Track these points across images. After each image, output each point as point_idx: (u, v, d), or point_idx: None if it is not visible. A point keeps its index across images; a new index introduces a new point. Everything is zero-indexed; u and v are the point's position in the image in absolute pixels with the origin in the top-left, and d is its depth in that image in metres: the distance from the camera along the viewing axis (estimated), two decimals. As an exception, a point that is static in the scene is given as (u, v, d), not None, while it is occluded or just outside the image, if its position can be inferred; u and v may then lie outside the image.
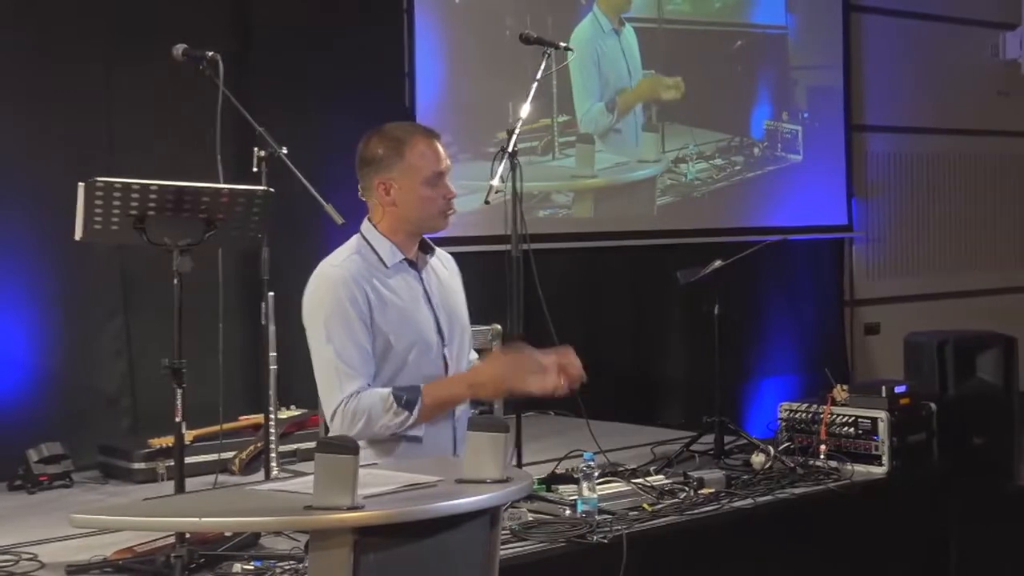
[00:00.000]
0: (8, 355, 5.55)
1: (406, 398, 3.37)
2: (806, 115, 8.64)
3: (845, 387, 5.14)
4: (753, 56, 8.45)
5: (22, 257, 5.58)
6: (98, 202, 3.84)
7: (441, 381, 3.49)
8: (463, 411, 3.61)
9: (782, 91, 8.55)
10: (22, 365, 5.58)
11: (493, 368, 3.48)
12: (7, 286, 5.55)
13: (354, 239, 3.56)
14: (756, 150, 8.38)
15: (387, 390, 3.39)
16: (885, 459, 4.90)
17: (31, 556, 4.01)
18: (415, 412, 3.37)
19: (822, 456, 4.96)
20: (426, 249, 3.61)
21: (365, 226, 3.58)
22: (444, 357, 3.55)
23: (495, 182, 4.84)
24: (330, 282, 3.43)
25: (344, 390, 3.37)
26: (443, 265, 3.72)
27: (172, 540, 3.77)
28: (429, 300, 3.54)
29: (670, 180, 7.95)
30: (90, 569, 3.85)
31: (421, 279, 3.56)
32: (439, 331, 3.53)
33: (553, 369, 3.35)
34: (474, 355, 3.86)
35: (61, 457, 5.27)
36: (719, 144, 8.18)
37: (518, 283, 4.60)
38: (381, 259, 3.49)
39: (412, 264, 3.55)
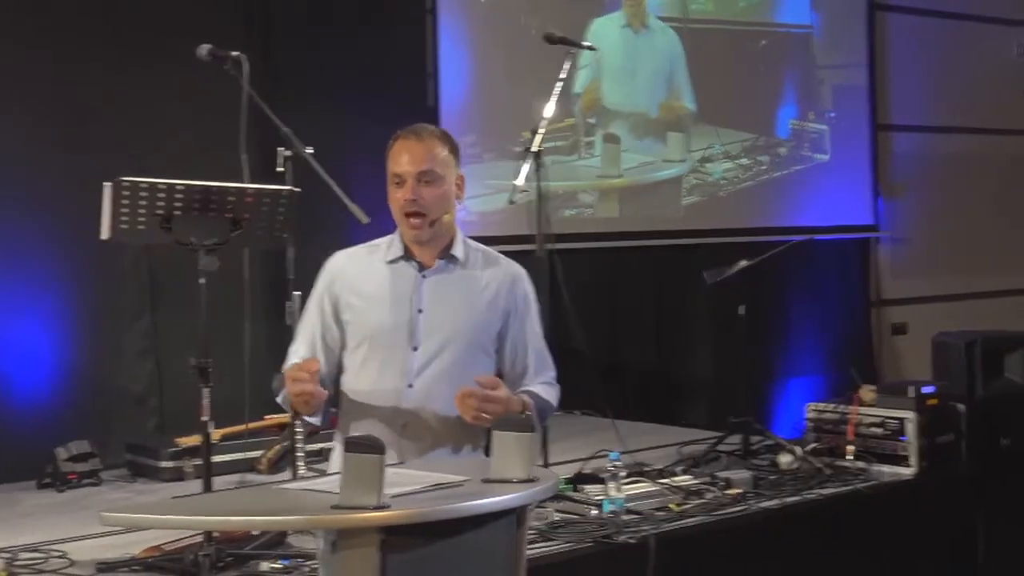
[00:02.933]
0: (37, 354, 5.58)
1: (275, 385, 3.34)
2: (832, 115, 8.61)
3: (872, 388, 5.12)
4: (778, 55, 8.42)
5: (50, 257, 5.60)
6: (124, 202, 3.86)
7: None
8: (414, 421, 3.31)
9: (808, 90, 8.53)
10: (51, 364, 5.61)
11: None
12: (36, 286, 5.58)
13: (393, 234, 3.49)
14: (782, 150, 8.36)
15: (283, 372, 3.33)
16: (913, 460, 4.88)
17: (60, 554, 4.03)
18: (280, 398, 3.32)
19: (849, 457, 4.94)
20: (447, 255, 3.39)
21: None
22: (405, 357, 3.31)
23: (519, 182, 4.84)
24: (322, 271, 3.47)
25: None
26: (482, 275, 3.43)
27: (200, 539, 3.78)
28: (414, 299, 3.36)
29: (696, 180, 7.94)
30: (119, 567, 3.87)
31: (419, 278, 3.38)
32: (411, 333, 3.33)
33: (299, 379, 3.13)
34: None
35: (89, 455, 5.30)
36: (744, 144, 8.17)
37: (544, 283, 4.60)
38: (388, 253, 3.42)
39: (421, 264, 3.39)
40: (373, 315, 3.35)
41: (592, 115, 7.46)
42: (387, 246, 3.44)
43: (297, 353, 3.40)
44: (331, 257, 3.48)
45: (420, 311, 3.35)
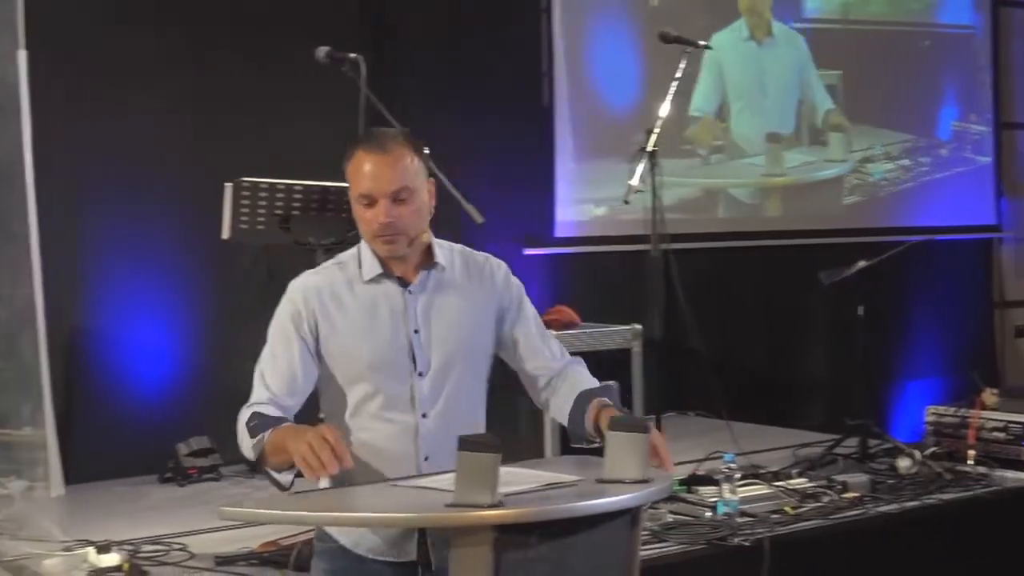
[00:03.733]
0: (160, 352, 5.71)
1: (256, 423, 2.89)
2: (988, 115, 8.54)
3: (994, 391, 5.02)
4: (941, 56, 8.36)
5: (173, 258, 5.73)
6: (244, 202, 3.93)
7: (294, 427, 2.88)
8: (436, 452, 2.94)
9: (970, 92, 8.45)
10: (173, 362, 5.73)
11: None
12: (159, 285, 5.70)
13: (355, 247, 3.12)
14: (943, 151, 8.29)
15: (255, 409, 2.93)
16: (1037, 465, 4.77)
17: (181, 547, 4.12)
18: (253, 443, 2.88)
19: (970, 462, 4.84)
20: (427, 264, 3.05)
21: None
22: (412, 385, 2.96)
23: (633, 181, 4.85)
24: (288, 292, 3.09)
25: (249, 400, 3.02)
26: (467, 278, 3.11)
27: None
28: (407, 320, 3.00)
29: (857, 180, 7.96)
30: (237, 560, 3.94)
31: (406, 295, 3.02)
32: (412, 355, 2.97)
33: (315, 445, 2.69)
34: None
35: (209, 451, 5.41)
36: (905, 145, 8.14)
37: (659, 283, 4.59)
38: (361, 271, 3.04)
39: (402, 280, 3.03)
40: (366, 345, 2.98)
41: (712, 142, 7.43)
42: (357, 263, 3.06)
43: (269, 388, 3.01)
44: (298, 279, 3.09)
45: (416, 331, 3.00)
